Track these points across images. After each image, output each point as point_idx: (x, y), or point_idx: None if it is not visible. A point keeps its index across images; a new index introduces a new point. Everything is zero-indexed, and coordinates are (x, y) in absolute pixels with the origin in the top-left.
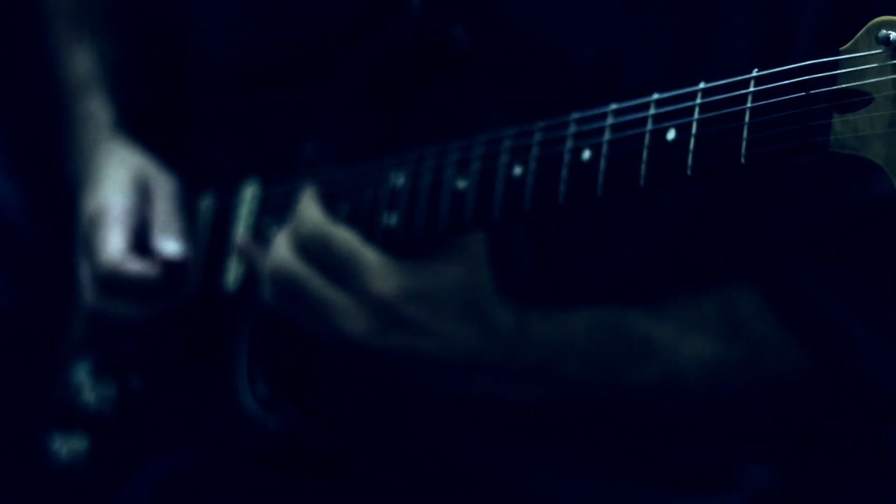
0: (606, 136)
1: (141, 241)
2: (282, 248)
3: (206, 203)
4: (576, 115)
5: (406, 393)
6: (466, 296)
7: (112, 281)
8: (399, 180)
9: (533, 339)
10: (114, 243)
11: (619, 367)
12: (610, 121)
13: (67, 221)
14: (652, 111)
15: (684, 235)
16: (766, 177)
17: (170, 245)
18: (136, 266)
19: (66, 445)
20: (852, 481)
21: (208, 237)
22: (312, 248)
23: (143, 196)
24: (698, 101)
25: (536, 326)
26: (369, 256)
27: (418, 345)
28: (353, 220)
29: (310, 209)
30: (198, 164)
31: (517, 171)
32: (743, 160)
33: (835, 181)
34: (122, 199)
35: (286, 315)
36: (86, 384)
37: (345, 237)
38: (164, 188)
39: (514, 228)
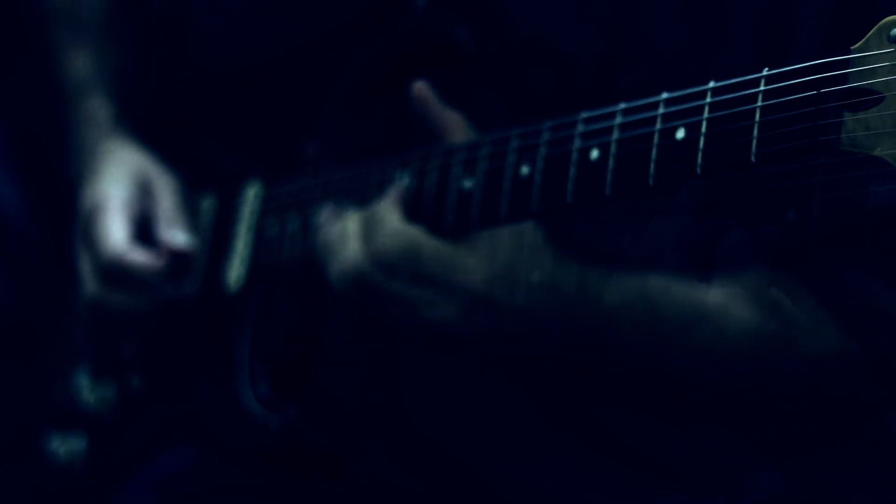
0: (615, 135)
1: (142, 234)
2: (359, 256)
3: (207, 203)
4: (584, 115)
5: (409, 388)
6: (529, 265)
7: (115, 271)
8: (404, 180)
9: (592, 301)
10: (117, 233)
11: (670, 332)
12: (619, 120)
13: (67, 221)
14: (661, 110)
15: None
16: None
17: (178, 235)
18: (140, 256)
19: (65, 446)
20: (860, 484)
21: (210, 237)
22: (402, 265)
23: (143, 190)
24: (708, 100)
25: (594, 288)
26: (448, 253)
27: (506, 323)
28: None
29: (392, 219)
30: (200, 164)
31: (524, 170)
32: (753, 159)
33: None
34: (121, 190)
35: (355, 308)
36: (85, 385)
37: (434, 247)
38: (166, 185)
39: None
